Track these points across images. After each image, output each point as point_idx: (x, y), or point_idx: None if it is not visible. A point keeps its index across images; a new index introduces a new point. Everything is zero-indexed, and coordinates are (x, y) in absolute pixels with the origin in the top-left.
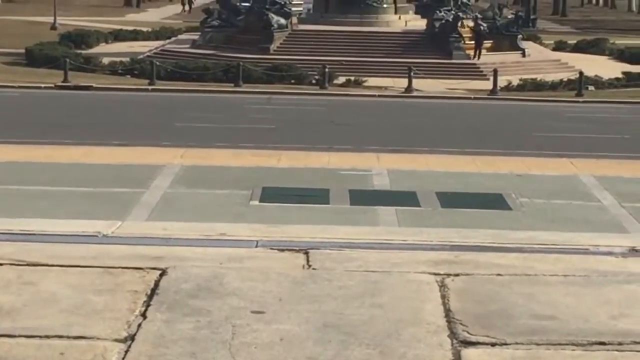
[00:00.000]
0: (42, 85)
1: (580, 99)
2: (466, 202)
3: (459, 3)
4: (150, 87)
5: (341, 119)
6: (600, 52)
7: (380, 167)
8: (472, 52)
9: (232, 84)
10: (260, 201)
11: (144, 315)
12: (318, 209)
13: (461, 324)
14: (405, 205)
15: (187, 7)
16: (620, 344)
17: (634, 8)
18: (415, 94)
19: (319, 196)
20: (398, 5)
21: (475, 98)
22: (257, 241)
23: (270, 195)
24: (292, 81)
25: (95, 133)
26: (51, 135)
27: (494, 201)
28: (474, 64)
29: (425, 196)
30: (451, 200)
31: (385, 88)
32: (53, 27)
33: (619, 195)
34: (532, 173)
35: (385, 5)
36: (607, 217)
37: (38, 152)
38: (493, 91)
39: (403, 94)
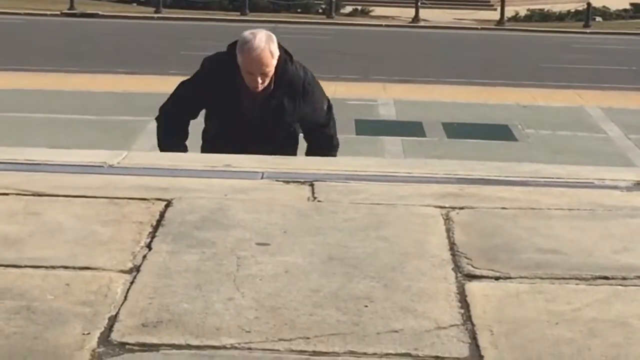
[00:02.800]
0: (48, 13)
1: (588, 30)
2: (472, 133)
3: None
4: (156, 15)
5: (348, 49)
6: None
7: (387, 97)
8: None
9: (239, 13)
10: None
11: (149, 246)
12: None
13: (465, 257)
14: (411, 136)
15: None
16: (624, 278)
17: None
18: (422, 24)
19: None
20: None
21: (482, 29)
22: (262, 172)
23: None
24: (299, 10)
25: (101, 61)
26: (56, 62)
27: (500, 132)
28: None
29: (431, 126)
30: (457, 130)
31: (392, 18)
32: None
33: (625, 126)
34: (538, 104)
35: None
36: (613, 149)
37: (42, 80)
38: (500, 22)
39: (410, 24)
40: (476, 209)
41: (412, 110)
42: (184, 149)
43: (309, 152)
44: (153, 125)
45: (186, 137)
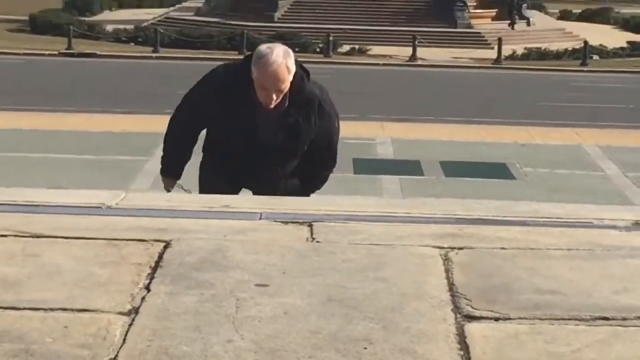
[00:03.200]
0: (46, 52)
1: (585, 69)
2: (470, 171)
3: None
4: (154, 55)
5: (345, 88)
6: (605, 21)
7: (385, 136)
8: (476, 21)
9: (237, 52)
10: None
11: (147, 288)
12: None
13: (465, 298)
14: (409, 174)
15: None
16: (624, 319)
17: None
18: (419, 62)
19: None
20: None
21: (479, 67)
22: (260, 213)
23: None
24: (297, 49)
25: (99, 101)
26: (54, 102)
27: (498, 170)
28: (479, 32)
29: (429, 165)
30: (455, 169)
31: (390, 56)
32: None
33: (622, 164)
34: (536, 142)
35: None
36: (611, 187)
37: (41, 120)
38: (497, 60)
39: (407, 62)
40: (475, 249)
41: (410, 148)
42: (183, 161)
43: (304, 170)
44: (150, 164)
45: (188, 159)
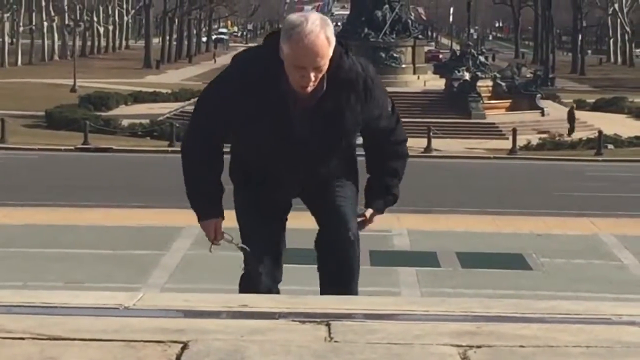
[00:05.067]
0: (62, 148)
1: (600, 158)
2: (487, 263)
3: (477, 62)
4: (169, 149)
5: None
6: (619, 111)
7: (401, 228)
8: (490, 112)
9: None
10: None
11: None
12: None
13: None
14: (425, 266)
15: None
16: None
17: None
18: (434, 153)
19: None
20: (416, 65)
21: (494, 157)
22: (278, 312)
23: (291, 256)
24: None
25: (115, 195)
26: (71, 197)
27: (515, 261)
28: (493, 123)
29: (445, 256)
30: (471, 260)
31: None
32: (73, 89)
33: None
34: (553, 233)
35: (403, 66)
36: (628, 277)
37: (58, 215)
38: (512, 150)
39: (422, 153)
40: (494, 348)
41: (426, 240)
42: (219, 187)
43: (375, 165)
44: (166, 258)
45: (221, 169)
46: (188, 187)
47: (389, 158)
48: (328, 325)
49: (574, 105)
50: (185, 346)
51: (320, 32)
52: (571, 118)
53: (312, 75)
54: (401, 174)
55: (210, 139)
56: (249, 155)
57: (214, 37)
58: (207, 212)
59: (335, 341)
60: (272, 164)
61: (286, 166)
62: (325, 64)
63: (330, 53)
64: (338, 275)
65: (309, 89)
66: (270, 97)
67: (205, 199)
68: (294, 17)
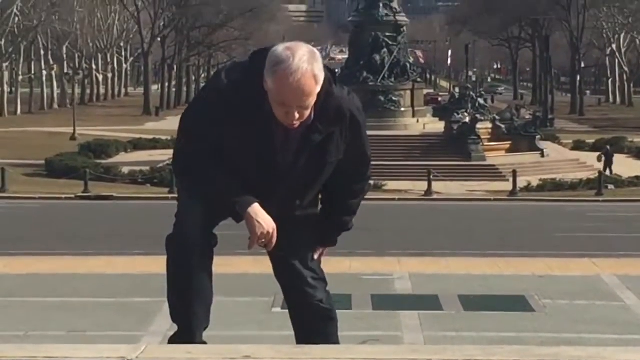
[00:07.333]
0: (63, 196)
1: (601, 198)
2: (489, 305)
3: (477, 105)
4: (170, 196)
5: (362, 224)
6: (619, 151)
7: (402, 271)
8: (490, 154)
9: None
10: (283, 308)
11: None
12: (340, 314)
13: None
14: (428, 309)
15: None
16: None
17: None
18: (435, 196)
19: (341, 302)
20: (416, 108)
21: (495, 199)
22: None
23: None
24: None
25: (116, 243)
26: (72, 246)
27: (517, 303)
28: (493, 165)
29: (447, 299)
30: (474, 303)
31: (405, 191)
32: (73, 137)
33: None
34: (554, 274)
35: (403, 109)
36: (631, 318)
37: (59, 264)
38: (513, 192)
39: (423, 196)
40: None
41: (428, 283)
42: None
43: (332, 202)
44: (167, 306)
45: (223, 169)
46: (212, 193)
47: (350, 197)
48: None
49: (609, 147)
50: None
51: (308, 69)
52: (609, 161)
53: (296, 113)
54: (357, 208)
55: (201, 151)
56: (231, 170)
57: None
58: (246, 199)
59: None
60: (249, 188)
61: (261, 195)
62: (312, 101)
63: (318, 90)
64: (317, 334)
65: (295, 125)
66: (254, 117)
67: (234, 189)
68: (280, 50)
